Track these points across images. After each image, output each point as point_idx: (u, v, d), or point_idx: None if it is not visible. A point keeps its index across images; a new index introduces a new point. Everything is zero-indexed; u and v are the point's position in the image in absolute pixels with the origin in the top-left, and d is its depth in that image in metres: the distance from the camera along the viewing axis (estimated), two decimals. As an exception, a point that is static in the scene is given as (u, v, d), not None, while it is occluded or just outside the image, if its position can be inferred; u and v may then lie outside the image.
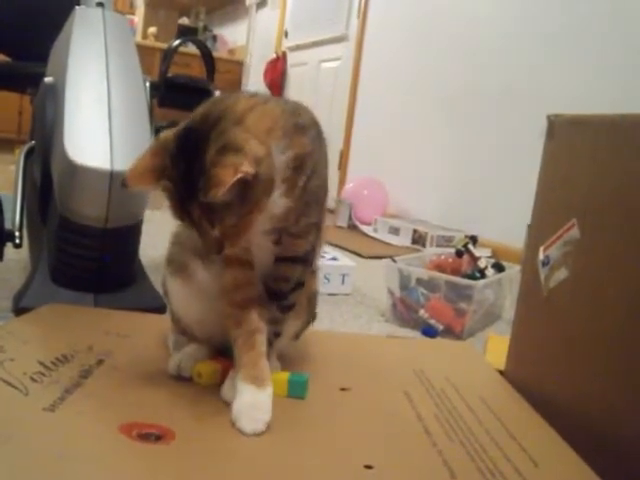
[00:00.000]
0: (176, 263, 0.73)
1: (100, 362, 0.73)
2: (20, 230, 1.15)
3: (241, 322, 0.65)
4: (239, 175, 0.52)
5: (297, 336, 0.77)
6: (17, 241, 1.13)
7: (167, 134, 0.60)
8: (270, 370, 0.67)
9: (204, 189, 0.53)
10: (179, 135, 0.58)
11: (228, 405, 0.63)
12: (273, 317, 0.68)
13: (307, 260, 0.70)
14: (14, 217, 1.15)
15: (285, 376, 0.68)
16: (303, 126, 0.63)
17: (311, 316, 0.79)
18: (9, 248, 1.13)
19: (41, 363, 0.70)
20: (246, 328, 0.65)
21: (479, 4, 2.81)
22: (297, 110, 0.65)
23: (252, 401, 0.60)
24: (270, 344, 0.68)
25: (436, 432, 0.63)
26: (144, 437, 0.56)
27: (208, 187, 0.53)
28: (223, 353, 0.73)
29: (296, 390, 0.68)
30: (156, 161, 0.58)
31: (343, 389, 0.73)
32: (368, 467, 0.55)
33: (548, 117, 0.80)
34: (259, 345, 0.65)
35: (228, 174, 0.52)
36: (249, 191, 0.55)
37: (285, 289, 0.69)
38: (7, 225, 1.13)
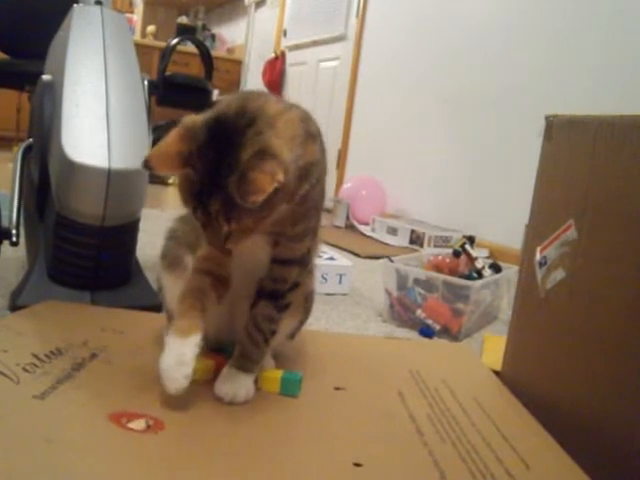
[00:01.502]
0: (170, 257, 0.73)
1: (94, 356, 0.73)
2: (17, 228, 1.15)
3: (190, 282, 0.66)
4: (275, 184, 0.53)
5: (293, 335, 0.77)
6: (14, 239, 1.13)
7: (194, 119, 0.59)
8: (264, 367, 0.68)
9: (240, 191, 0.53)
10: (210, 125, 0.57)
11: (221, 401, 0.64)
12: (269, 315, 0.68)
13: (303, 262, 0.70)
14: (11, 215, 1.15)
15: (279, 374, 0.68)
16: (313, 134, 0.63)
17: (307, 315, 0.79)
18: (6, 246, 1.13)
19: (34, 355, 0.70)
20: (190, 285, 0.66)
21: (478, 4, 2.81)
22: (306, 117, 0.64)
23: (176, 356, 0.61)
24: (266, 342, 0.68)
25: (428, 432, 0.63)
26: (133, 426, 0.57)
27: (247, 191, 0.53)
28: (217, 349, 0.73)
29: (289, 388, 0.68)
30: (182, 147, 0.57)
31: (337, 388, 0.73)
32: (357, 465, 0.55)
33: (546, 117, 0.80)
34: (193, 299, 0.65)
35: (268, 182, 0.53)
36: (273, 197, 0.55)
37: (282, 289, 0.69)
38: (4, 223, 1.13)
